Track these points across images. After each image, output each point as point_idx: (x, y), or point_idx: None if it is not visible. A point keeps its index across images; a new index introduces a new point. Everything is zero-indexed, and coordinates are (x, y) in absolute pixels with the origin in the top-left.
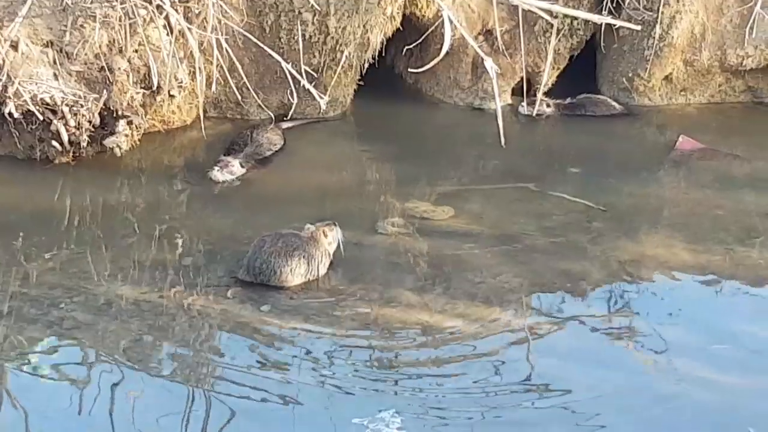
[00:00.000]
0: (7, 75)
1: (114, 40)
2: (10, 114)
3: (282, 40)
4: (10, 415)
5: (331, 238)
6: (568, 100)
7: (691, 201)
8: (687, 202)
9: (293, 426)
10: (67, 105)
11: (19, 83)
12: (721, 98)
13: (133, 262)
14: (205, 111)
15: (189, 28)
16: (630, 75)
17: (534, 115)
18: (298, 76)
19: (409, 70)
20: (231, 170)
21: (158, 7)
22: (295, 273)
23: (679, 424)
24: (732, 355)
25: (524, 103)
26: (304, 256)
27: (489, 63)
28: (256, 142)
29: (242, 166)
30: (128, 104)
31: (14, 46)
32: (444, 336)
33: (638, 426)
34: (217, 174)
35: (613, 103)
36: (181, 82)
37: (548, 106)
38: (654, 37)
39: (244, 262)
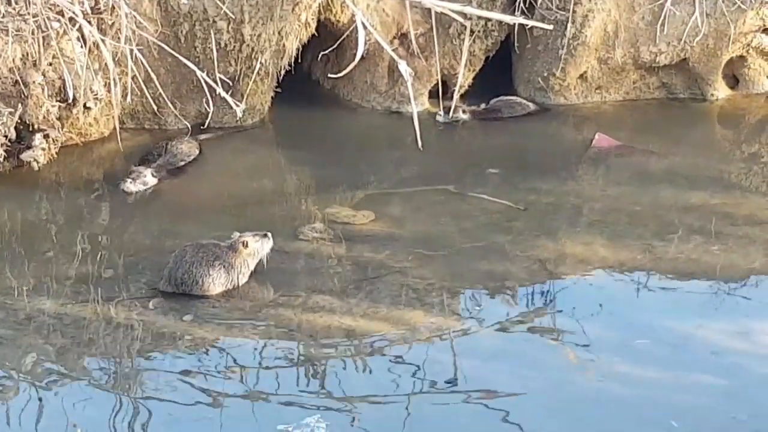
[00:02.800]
0: None
1: (27, 54)
2: None
3: (197, 49)
4: None
5: (251, 249)
6: (483, 105)
7: (609, 198)
8: (605, 199)
9: None
10: None
11: None
12: (636, 95)
13: (54, 275)
14: (122, 122)
15: (103, 40)
16: (545, 74)
17: (450, 119)
18: (214, 85)
19: (328, 75)
20: (144, 180)
21: (71, 19)
22: (217, 282)
23: (603, 419)
24: (653, 350)
25: (441, 111)
26: (224, 266)
27: (403, 66)
28: (170, 153)
29: (154, 176)
30: (44, 118)
31: None
32: (368, 340)
33: (563, 423)
34: (130, 185)
35: (528, 103)
36: (97, 94)
37: (464, 112)
38: (567, 37)
39: (165, 272)
